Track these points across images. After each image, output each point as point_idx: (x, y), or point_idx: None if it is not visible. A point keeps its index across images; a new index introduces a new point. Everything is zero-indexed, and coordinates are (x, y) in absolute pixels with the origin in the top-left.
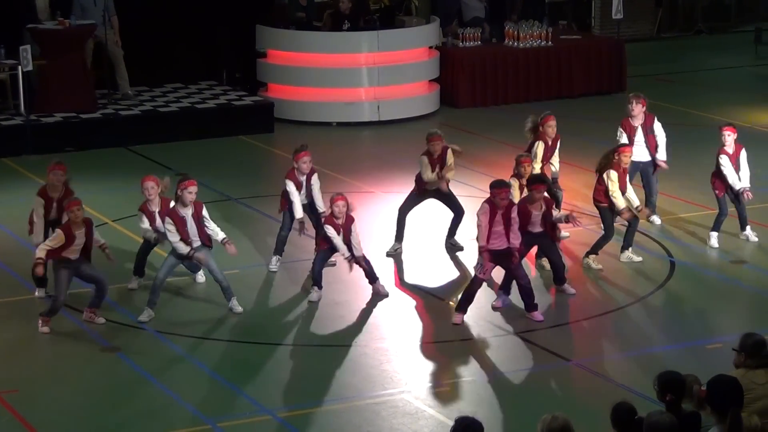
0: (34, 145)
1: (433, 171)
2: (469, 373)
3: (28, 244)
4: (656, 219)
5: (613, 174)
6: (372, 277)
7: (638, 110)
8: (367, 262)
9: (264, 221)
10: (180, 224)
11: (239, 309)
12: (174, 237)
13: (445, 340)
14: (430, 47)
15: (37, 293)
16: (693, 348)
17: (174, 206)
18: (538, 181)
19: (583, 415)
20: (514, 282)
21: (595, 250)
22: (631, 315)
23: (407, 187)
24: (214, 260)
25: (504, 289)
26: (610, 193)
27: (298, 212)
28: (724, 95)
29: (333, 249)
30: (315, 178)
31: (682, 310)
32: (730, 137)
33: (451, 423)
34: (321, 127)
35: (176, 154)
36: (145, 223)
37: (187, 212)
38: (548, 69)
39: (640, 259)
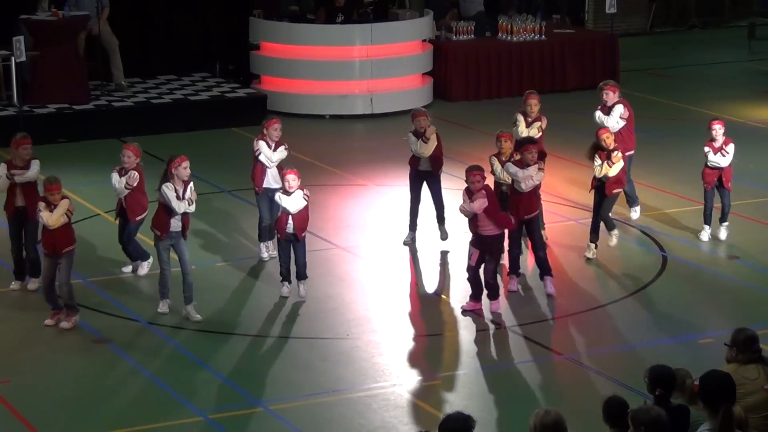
0: None
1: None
2: (461, 367)
3: None
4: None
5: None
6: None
7: (611, 98)
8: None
9: (256, 213)
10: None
11: (197, 317)
12: (171, 193)
13: (437, 334)
14: (424, 40)
15: (12, 285)
16: (685, 342)
17: (165, 185)
18: (526, 142)
19: (575, 409)
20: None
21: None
22: (623, 309)
23: (400, 180)
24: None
25: (513, 272)
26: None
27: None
28: (718, 90)
29: (289, 241)
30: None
31: (674, 305)
32: (718, 131)
33: (442, 416)
34: (314, 119)
35: (169, 146)
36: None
37: (179, 190)
38: (542, 63)
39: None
